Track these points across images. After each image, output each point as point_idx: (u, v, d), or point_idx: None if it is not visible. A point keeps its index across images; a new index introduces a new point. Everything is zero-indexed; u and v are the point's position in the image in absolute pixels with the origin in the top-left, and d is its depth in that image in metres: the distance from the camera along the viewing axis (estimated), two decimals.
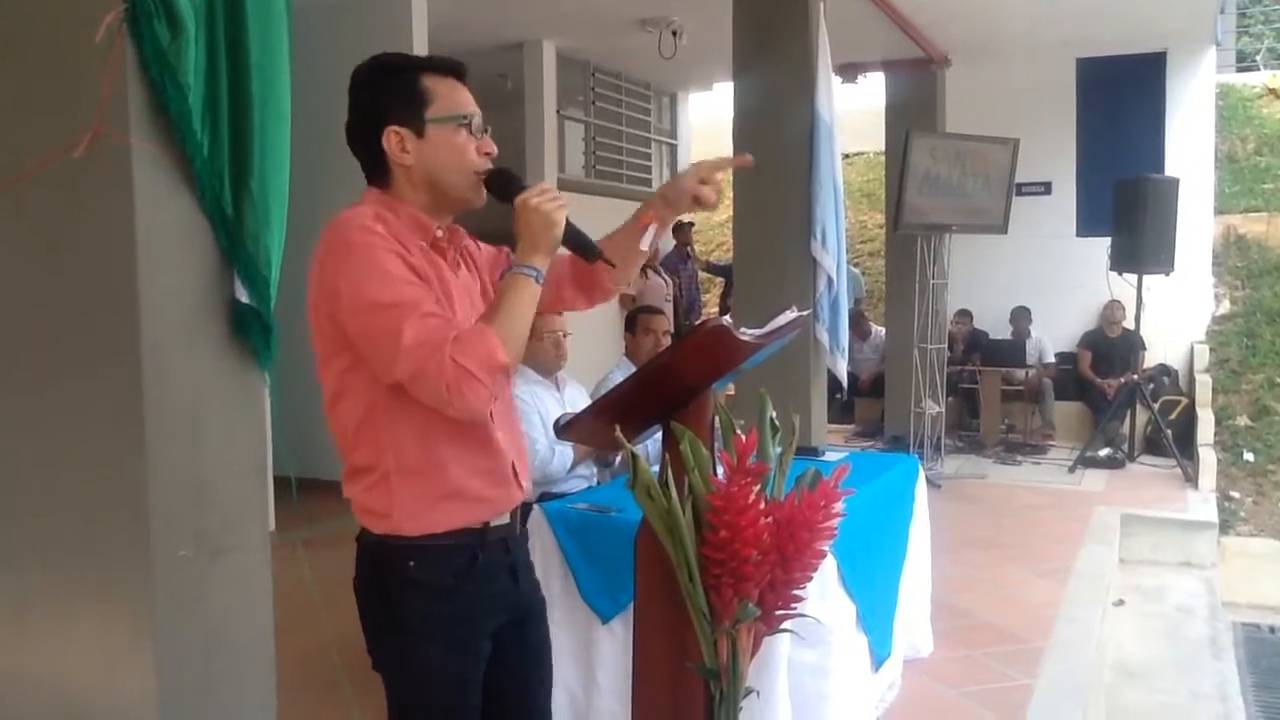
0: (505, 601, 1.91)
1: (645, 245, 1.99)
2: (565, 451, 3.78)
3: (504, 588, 1.91)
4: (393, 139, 1.80)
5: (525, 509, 2.00)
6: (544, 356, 3.87)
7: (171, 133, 1.79)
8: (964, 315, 9.42)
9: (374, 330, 1.69)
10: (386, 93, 1.82)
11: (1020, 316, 9.23)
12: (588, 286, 2.08)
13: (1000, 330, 9.36)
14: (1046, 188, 9.50)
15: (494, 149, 1.87)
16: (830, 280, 5.48)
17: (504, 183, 1.83)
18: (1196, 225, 8.88)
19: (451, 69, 1.87)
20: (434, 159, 1.81)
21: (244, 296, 1.92)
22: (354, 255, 1.71)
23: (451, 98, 1.83)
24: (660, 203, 1.98)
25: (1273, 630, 5.90)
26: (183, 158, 1.81)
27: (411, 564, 1.80)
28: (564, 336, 3.90)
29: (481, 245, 2.04)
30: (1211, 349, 9.09)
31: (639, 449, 1.85)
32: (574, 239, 1.82)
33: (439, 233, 1.85)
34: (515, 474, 1.91)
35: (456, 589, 1.82)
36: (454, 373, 1.64)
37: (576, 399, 3.92)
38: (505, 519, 1.90)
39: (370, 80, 1.84)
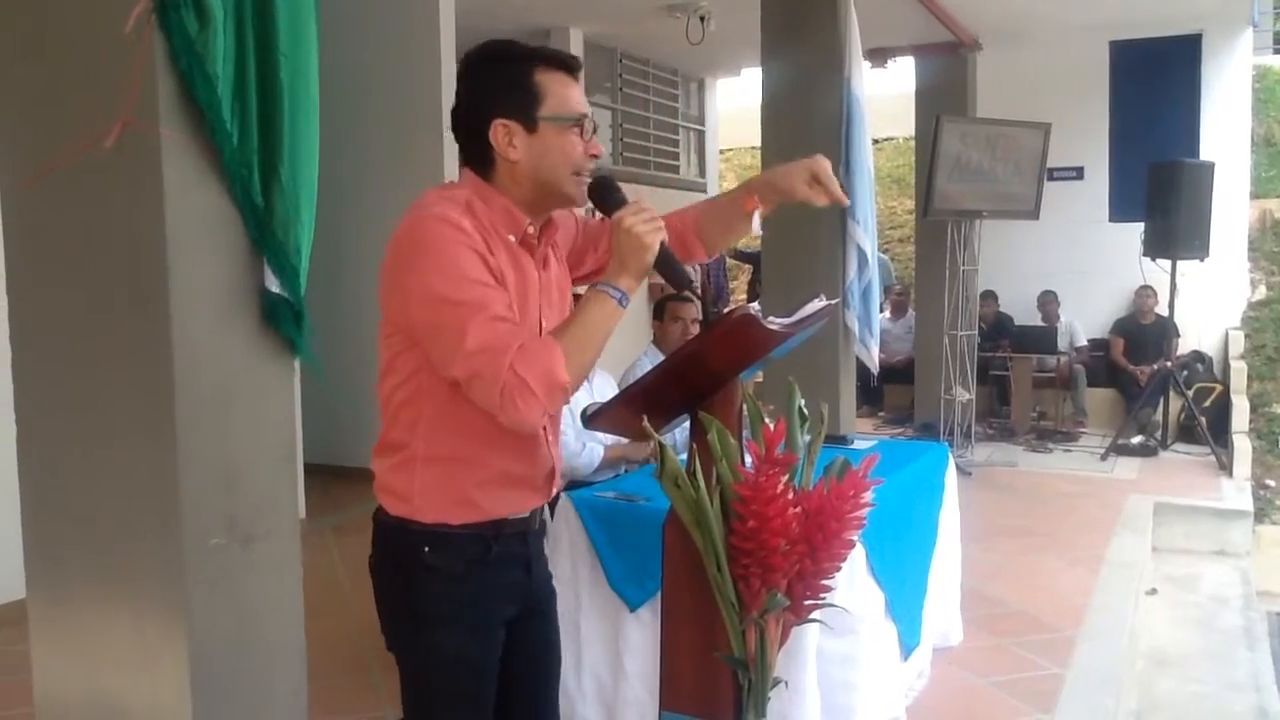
0: (517, 592, 1.91)
1: (756, 229, 1.96)
2: (595, 449, 3.78)
3: (516, 578, 1.91)
4: (500, 132, 1.76)
5: (552, 502, 2.00)
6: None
7: (200, 123, 1.79)
8: (989, 296, 9.29)
9: (439, 326, 1.66)
10: (497, 84, 1.77)
11: (1048, 301, 9.15)
12: (679, 251, 1.99)
13: (1033, 317, 9.28)
14: (1079, 173, 9.39)
15: (601, 151, 1.83)
16: (863, 263, 5.45)
17: (604, 192, 1.80)
18: (1232, 210, 8.76)
19: (564, 63, 1.81)
20: (543, 158, 1.77)
21: (274, 286, 1.93)
22: (431, 247, 1.67)
23: (564, 95, 1.78)
24: (767, 189, 1.93)
25: None
26: (212, 147, 1.81)
27: (426, 549, 1.80)
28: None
29: (576, 222, 2.02)
30: (1247, 335, 8.98)
31: (666, 438, 1.84)
32: (666, 266, 1.76)
33: (530, 228, 1.81)
34: (550, 480, 1.91)
35: (469, 575, 1.82)
36: (511, 382, 1.61)
37: (605, 388, 3.92)
38: (524, 514, 1.90)
39: (479, 69, 1.80)
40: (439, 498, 1.79)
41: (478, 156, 1.81)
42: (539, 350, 1.64)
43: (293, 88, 1.90)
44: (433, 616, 1.82)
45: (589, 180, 1.81)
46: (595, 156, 1.81)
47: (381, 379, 1.82)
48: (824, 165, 1.91)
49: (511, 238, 1.79)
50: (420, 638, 1.84)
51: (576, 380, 1.68)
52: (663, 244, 1.72)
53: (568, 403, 1.75)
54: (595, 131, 1.84)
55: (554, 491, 1.96)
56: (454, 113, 1.83)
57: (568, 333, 1.69)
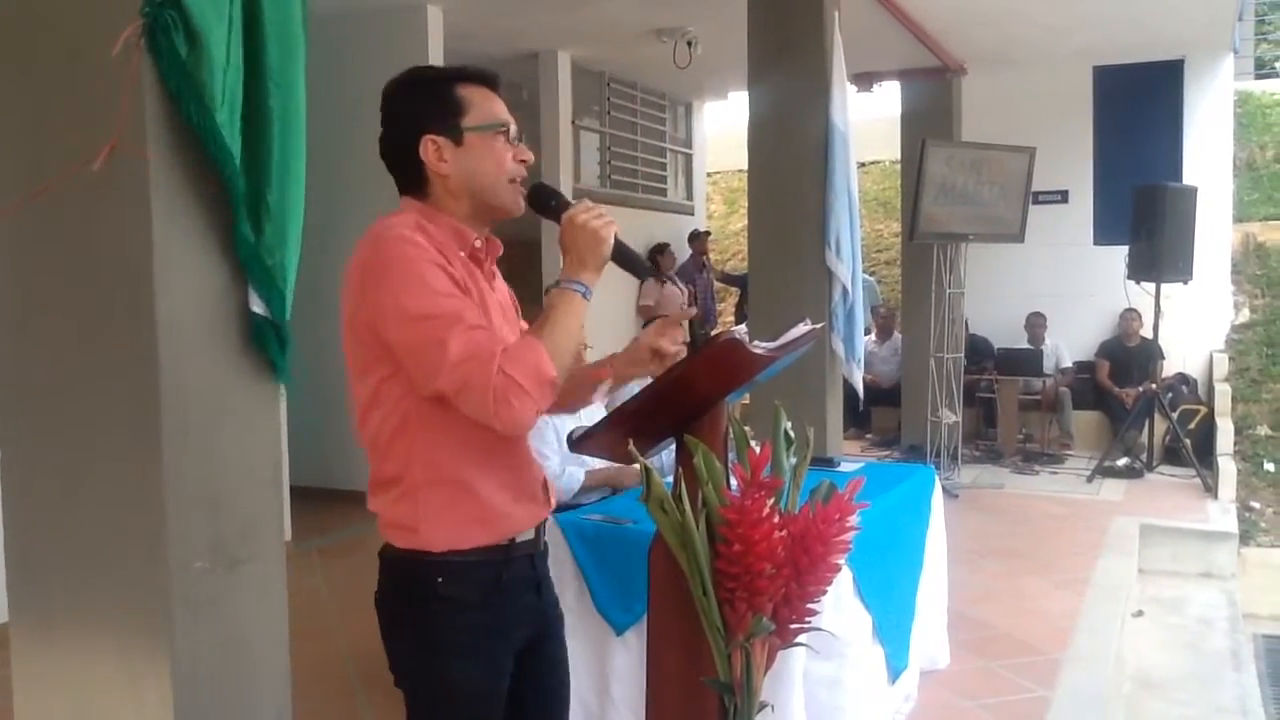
0: (530, 616, 1.92)
1: (597, 398, 2.05)
2: (575, 473, 3.77)
3: (529, 602, 1.92)
4: (430, 148, 1.79)
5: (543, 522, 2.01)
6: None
7: (189, 146, 1.80)
8: None
9: (417, 342, 1.67)
10: (421, 103, 1.81)
11: (1036, 323, 9.19)
12: (568, 402, 2.04)
13: (1018, 339, 9.31)
14: (1063, 196, 9.44)
15: (530, 156, 1.87)
16: (845, 290, 5.47)
17: (546, 198, 1.86)
18: (1215, 233, 8.82)
19: (483, 78, 1.86)
20: (472, 167, 1.80)
21: (259, 309, 1.93)
22: (395, 266, 1.69)
23: (486, 106, 1.83)
24: (623, 361, 2.00)
25: None
26: (199, 171, 1.82)
27: (439, 580, 1.78)
28: (584, 349, 3.98)
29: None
30: (1231, 358, 9.02)
31: (653, 461, 1.85)
32: (623, 256, 1.83)
33: (477, 242, 1.84)
34: (545, 490, 1.95)
35: (484, 604, 1.82)
36: (502, 385, 1.63)
37: (593, 411, 3.91)
38: (530, 534, 1.91)
39: (404, 92, 1.84)
40: (446, 522, 1.78)
41: (413, 180, 1.83)
42: (524, 350, 1.68)
43: (282, 113, 1.91)
44: (448, 647, 1.80)
45: (525, 189, 1.86)
46: (524, 162, 1.85)
47: (365, 415, 1.80)
48: (665, 320, 1.99)
49: (462, 254, 1.81)
50: (434, 670, 1.82)
51: (562, 375, 1.73)
52: (616, 236, 1.79)
53: (552, 404, 1.76)
54: (522, 140, 1.87)
55: (552, 503, 1.98)
56: (382, 140, 1.84)
57: (544, 331, 1.73)
